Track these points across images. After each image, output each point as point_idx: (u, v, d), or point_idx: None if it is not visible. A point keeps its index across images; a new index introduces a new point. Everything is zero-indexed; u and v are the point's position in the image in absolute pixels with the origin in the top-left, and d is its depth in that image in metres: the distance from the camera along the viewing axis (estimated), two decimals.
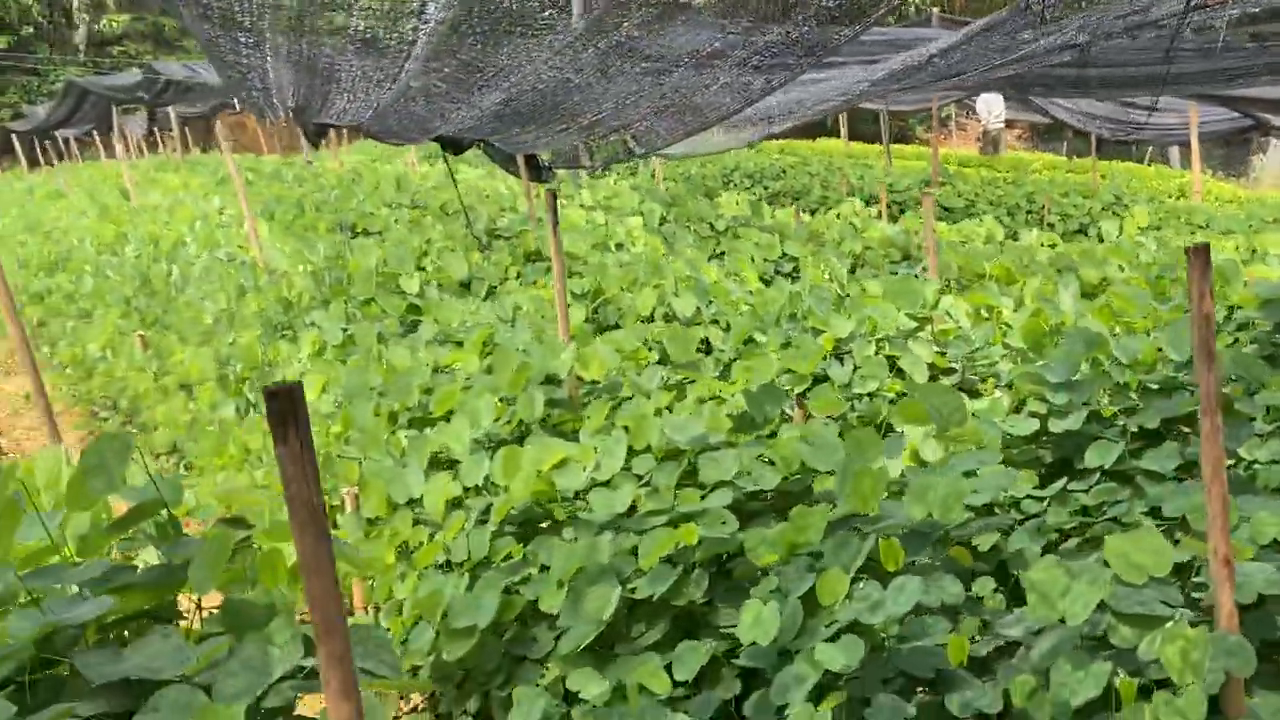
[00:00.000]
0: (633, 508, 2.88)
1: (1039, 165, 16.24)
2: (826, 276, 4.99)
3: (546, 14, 2.92)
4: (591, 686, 2.33)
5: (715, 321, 4.90)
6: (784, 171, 13.77)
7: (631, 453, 3.03)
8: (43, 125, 20.24)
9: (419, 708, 3.00)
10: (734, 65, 3.37)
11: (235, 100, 5.06)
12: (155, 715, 1.61)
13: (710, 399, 3.43)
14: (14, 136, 20.43)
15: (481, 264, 5.85)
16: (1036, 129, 21.34)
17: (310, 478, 1.36)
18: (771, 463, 2.84)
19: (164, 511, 2.32)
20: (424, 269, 5.21)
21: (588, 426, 3.28)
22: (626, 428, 3.18)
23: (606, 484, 2.93)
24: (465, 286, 5.77)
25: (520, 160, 6.69)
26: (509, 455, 2.99)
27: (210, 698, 1.65)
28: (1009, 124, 19.00)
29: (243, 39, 3.76)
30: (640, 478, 2.96)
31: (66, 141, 20.69)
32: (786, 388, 3.53)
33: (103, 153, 20.23)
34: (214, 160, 16.05)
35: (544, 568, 2.78)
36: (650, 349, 3.81)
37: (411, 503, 3.23)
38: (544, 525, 3.09)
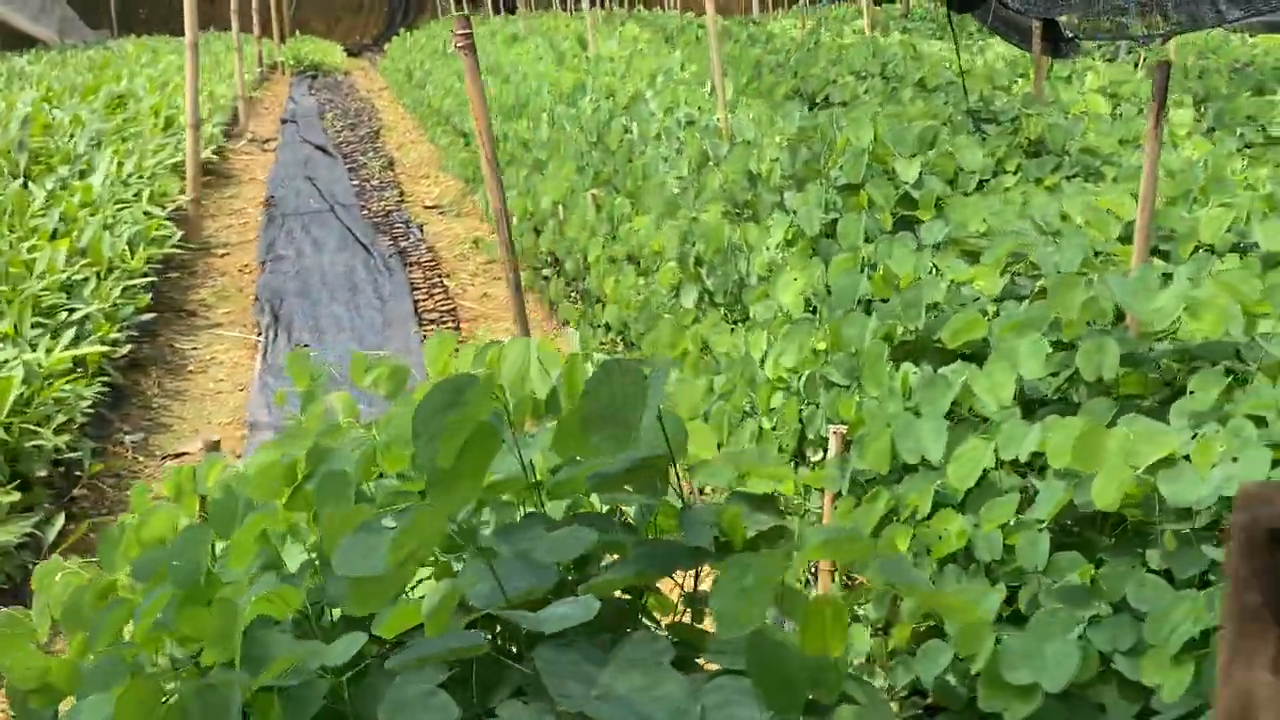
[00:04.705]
0: None
1: None
2: None
3: None
4: None
5: None
6: None
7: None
8: None
9: None
10: None
11: None
12: None
13: None
14: None
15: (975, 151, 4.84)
16: None
17: None
18: None
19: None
20: (918, 154, 4.32)
21: (1189, 405, 2.32)
22: (1263, 421, 2.19)
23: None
24: (949, 182, 4.82)
25: (1035, 28, 5.52)
26: (1090, 434, 2.12)
27: None
28: None
29: None
30: None
31: None
32: None
33: (556, 4, 20.91)
34: (658, 16, 15.85)
35: (1132, 613, 1.93)
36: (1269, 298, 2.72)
37: (923, 466, 2.48)
38: (1097, 539, 2.22)
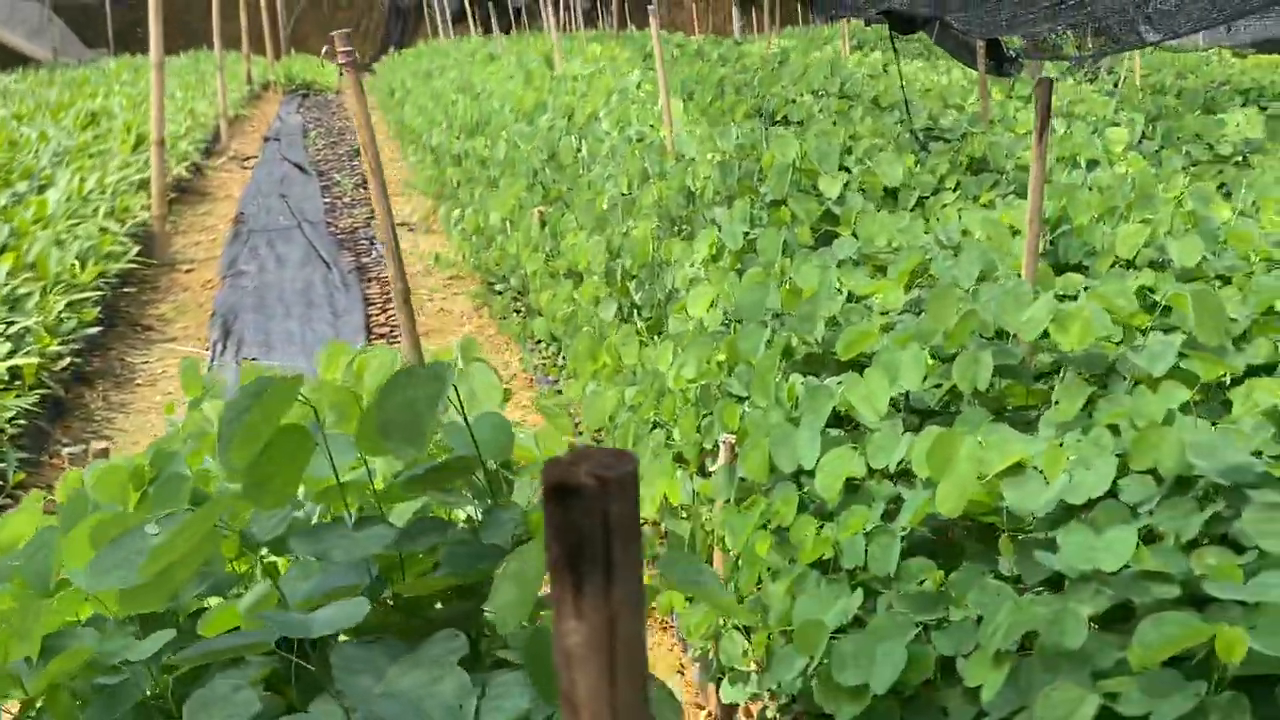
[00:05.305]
0: None
1: None
2: None
3: None
4: None
5: (1224, 278, 3.68)
6: None
7: (1122, 470, 2.10)
8: None
9: None
10: None
11: None
12: None
13: (1244, 402, 2.37)
14: (475, 4, 21.72)
15: (914, 169, 4.92)
16: None
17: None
18: None
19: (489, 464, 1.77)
20: (847, 169, 4.38)
21: (1054, 416, 2.36)
22: (1115, 429, 2.23)
23: (1083, 512, 2.03)
24: (891, 195, 4.88)
25: (980, 47, 5.57)
26: (941, 442, 2.16)
27: None
28: None
29: None
30: (1135, 512, 2.02)
31: (518, 12, 21.68)
32: None
33: (546, 24, 20.99)
34: (645, 37, 15.97)
35: (976, 619, 1.97)
36: (1150, 311, 2.77)
37: (799, 474, 2.52)
38: (974, 547, 2.26)
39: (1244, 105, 11.09)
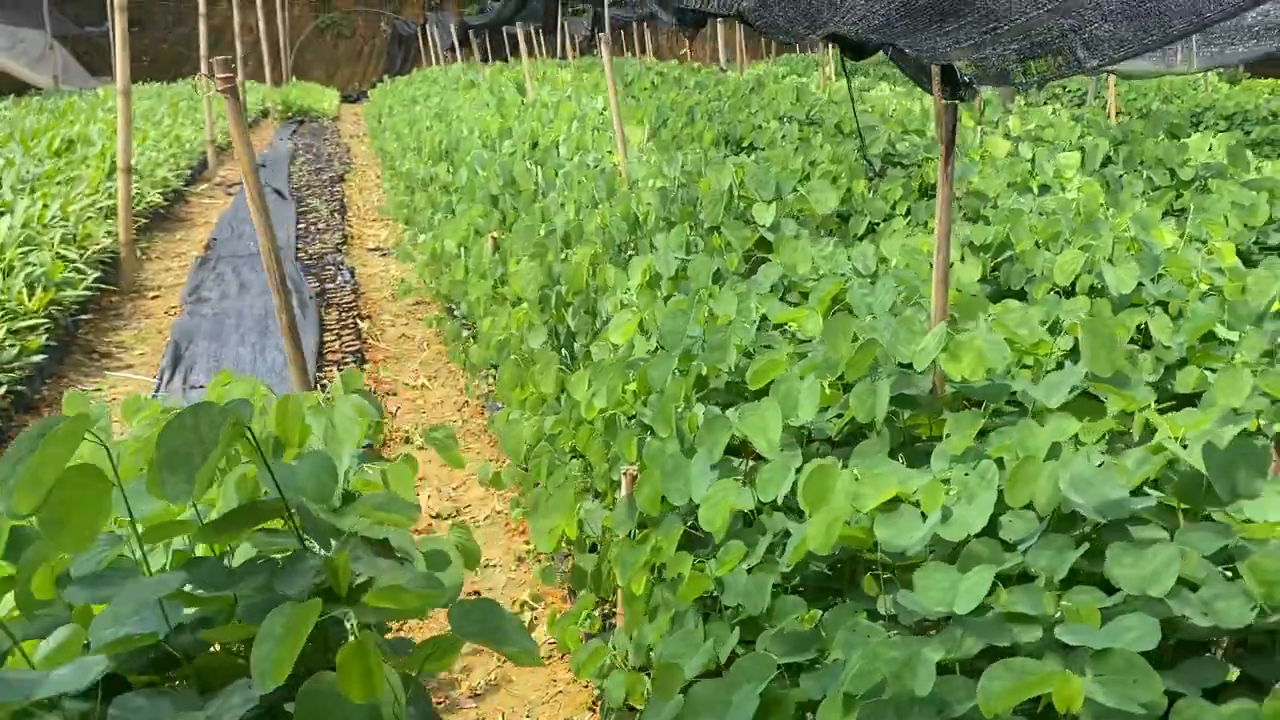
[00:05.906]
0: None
1: None
2: None
3: None
4: None
5: (1163, 304, 3.62)
6: (1275, 115, 11.20)
7: (1001, 505, 2.04)
8: (493, 20, 21.40)
9: None
10: None
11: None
12: None
13: (1140, 433, 2.30)
14: (470, 31, 21.87)
15: (865, 196, 4.88)
16: None
17: None
18: (1235, 576, 1.73)
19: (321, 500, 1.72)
20: (796, 193, 4.34)
21: (946, 448, 2.30)
22: (1001, 462, 2.17)
23: (954, 551, 1.96)
24: (843, 221, 4.84)
25: (935, 73, 5.53)
26: (817, 475, 2.10)
27: None
28: None
29: None
30: (1009, 548, 1.96)
31: (514, 39, 21.76)
32: (1262, 425, 2.32)
33: (543, 52, 21.08)
34: (630, 63, 16.00)
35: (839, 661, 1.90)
36: (1060, 336, 2.70)
37: (691, 508, 2.45)
38: (854, 583, 2.19)
39: (1227, 129, 11.06)
